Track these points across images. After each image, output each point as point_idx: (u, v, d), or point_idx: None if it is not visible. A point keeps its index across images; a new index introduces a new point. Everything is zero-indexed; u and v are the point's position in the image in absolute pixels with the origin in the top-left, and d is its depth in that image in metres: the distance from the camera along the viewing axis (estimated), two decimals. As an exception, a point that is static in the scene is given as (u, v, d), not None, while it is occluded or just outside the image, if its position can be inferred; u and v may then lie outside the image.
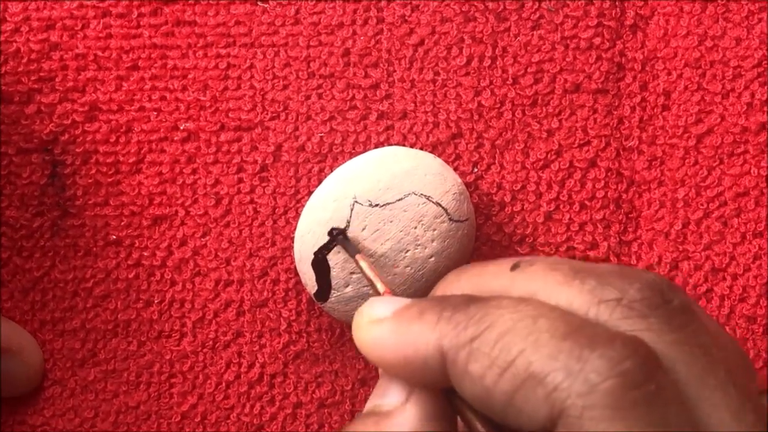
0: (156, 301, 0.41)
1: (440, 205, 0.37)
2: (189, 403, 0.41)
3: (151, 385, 0.42)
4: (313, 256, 0.37)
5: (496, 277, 0.29)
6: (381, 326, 0.29)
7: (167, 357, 0.41)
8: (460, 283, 0.30)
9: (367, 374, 0.41)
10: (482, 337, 0.26)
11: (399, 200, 0.37)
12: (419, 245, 0.37)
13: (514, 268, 0.29)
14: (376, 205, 0.37)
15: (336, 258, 0.37)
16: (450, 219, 0.38)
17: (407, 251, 0.37)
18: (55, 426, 0.41)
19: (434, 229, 0.37)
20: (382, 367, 0.29)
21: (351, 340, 0.41)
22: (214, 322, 0.41)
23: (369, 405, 0.30)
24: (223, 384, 0.41)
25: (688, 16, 0.41)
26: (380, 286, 0.33)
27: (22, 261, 0.42)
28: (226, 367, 0.41)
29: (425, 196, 0.37)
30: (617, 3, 0.41)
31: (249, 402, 0.41)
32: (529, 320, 0.26)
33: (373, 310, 0.30)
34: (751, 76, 0.41)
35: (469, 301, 0.27)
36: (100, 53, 0.42)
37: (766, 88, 0.41)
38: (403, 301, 0.29)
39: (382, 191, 0.37)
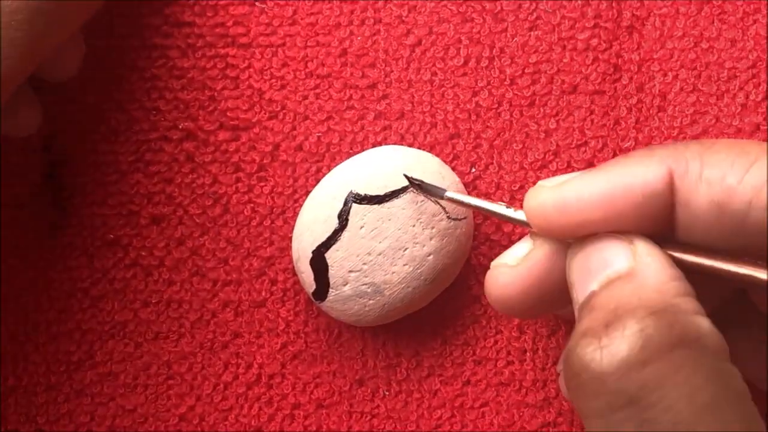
0: (153, 302, 0.41)
1: (438, 203, 0.37)
2: (187, 404, 0.41)
3: (148, 387, 0.41)
4: (311, 255, 0.37)
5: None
6: (578, 179, 0.27)
7: (165, 358, 0.41)
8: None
9: (365, 375, 0.41)
10: (714, 147, 0.25)
11: (397, 198, 0.37)
12: (417, 243, 0.37)
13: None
14: (375, 203, 0.37)
15: (334, 256, 0.37)
16: (448, 217, 0.38)
17: (405, 249, 0.37)
18: (49, 431, 0.41)
19: (433, 227, 0.37)
20: (577, 225, 0.27)
21: (349, 340, 0.41)
22: (212, 322, 0.41)
23: (592, 283, 0.27)
24: (221, 385, 0.41)
25: (683, 18, 0.41)
26: (500, 206, 0.33)
27: (18, 261, 0.41)
28: (224, 368, 0.41)
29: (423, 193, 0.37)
30: (614, 4, 0.41)
31: (247, 403, 0.41)
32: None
33: (551, 180, 0.28)
34: (745, 78, 0.41)
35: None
36: (99, 52, 0.41)
37: (760, 89, 0.41)
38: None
39: (380, 189, 0.37)
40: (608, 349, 0.25)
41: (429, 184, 0.37)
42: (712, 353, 0.25)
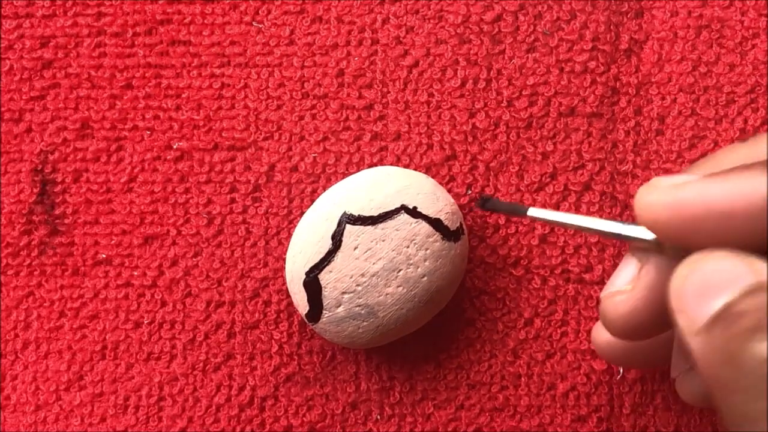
0: (146, 322, 0.41)
1: (432, 225, 0.37)
2: (178, 426, 0.41)
3: (139, 408, 0.41)
4: (305, 276, 0.37)
5: (730, 153, 0.28)
6: (695, 184, 0.26)
7: (156, 380, 0.41)
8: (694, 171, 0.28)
9: (357, 398, 0.41)
10: None
11: (391, 219, 0.37)
12: (412, 264, 0.37)
13: (743, 141, 0.28)
14: (369, 224, 0.37)
15: (328, 278, 0.37)
16: (443, 238, 0.37)
17: (399, 270, 0.37)
18: (39, 452, 0.41)
19: (427, 249, 0.37)
20: (697, 230, 0.26)
21: (342, 363, 0.41)
22: (204, 343, 0.41)
23: (721, 297, 0.25)
24: (213, 407, 0.41)
25: (682, 42, 0.41)
26: (591, 219, 0.31)
27: (8, 279, 0.41)
28: (216, 390, 0.41)
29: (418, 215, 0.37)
30: (612, 27, 0.41)
31: (239, 425, 0.41)
32: None
33: (671, 178, 0.27)
34: (744, 102, 0.41)
35: None
36: (93, 72, 0.41)
37: (759, 113, 0.41)
38: (693, 174, 0.27)
39: (374, 210, 0.37)
40: None
41: (506, 203, 0.36)
42: None
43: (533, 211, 0.32)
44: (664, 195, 0.27)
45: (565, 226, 0.33)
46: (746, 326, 0.24)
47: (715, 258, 0.26)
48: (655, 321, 0.29)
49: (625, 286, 0.29)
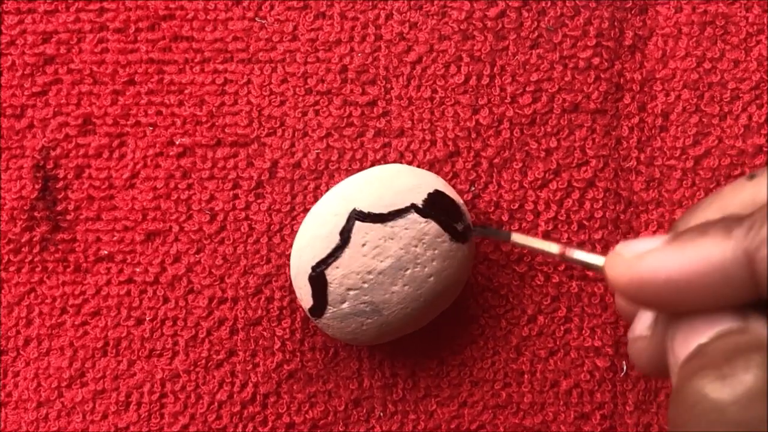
0: (148, 319, 0.41)
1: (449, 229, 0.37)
2: (180, 423, 0.41)
3: (141, 405, 0.41)
4: (310, 271, 0.37)
5: (737, 192, 0.28)
6: (654, 255, 0.27)
7: (158, 376, 0.41)
8: (700, 213, 0.29)
9: (360, 395, 0.41)
10: None
11: (401, 218, 0.37)
12: (419, 264, 0.37)
13: (750, 178, 0.28)
14: (378, 222, 0.37)
15: (334, 273, 0.37)
16: (451, 239, 0.37)
17: (407, 270, 0.37)
18: (39, 448, 0.41)
19: (435, 249, 0.37)
20: (660, 299, 0.27)
21: (345, 359, 0.41)
22: (207, 340, 0.41)
23: (700, 338, 0.26)
24: (216, 404, 0.41)
25: (686, 38, 0.41)
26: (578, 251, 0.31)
27: (9, 275, 0.41)
28: (218, 387, 0.41)
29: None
30: (616, 23, 0.41)
31: (242, 422, 0.41)
32: None
33: (634, 245, 0.27)
34: (748, 99, 0.41)
35: (742, 217, 0.26)
36: (95, 68, 0.41)
37: (763, 110, 0.41)
38: (659, 237, 0.27)
39: (384, 208, 0.37)
40: (730, 379, 0.24)
41: (493, 230, 0.38)
42: None
43: (516, 237, 0.34)
44: (626, 269, 0.27)
45: (545, 254, 0.33)
46: (698, 365, 0.25)
47: (706, 315, 0.27)
48: None
49: (646, 331, 0.29)
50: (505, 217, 0.41)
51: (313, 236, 0.37)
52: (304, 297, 0.38)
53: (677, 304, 0.27)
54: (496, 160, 0.41)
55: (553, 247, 0.32)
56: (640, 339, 0.29)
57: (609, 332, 0.40)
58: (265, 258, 0.41)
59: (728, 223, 0.26)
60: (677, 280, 0.26)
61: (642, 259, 0.27)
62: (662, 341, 0.28)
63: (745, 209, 0.27)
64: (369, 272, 0.36)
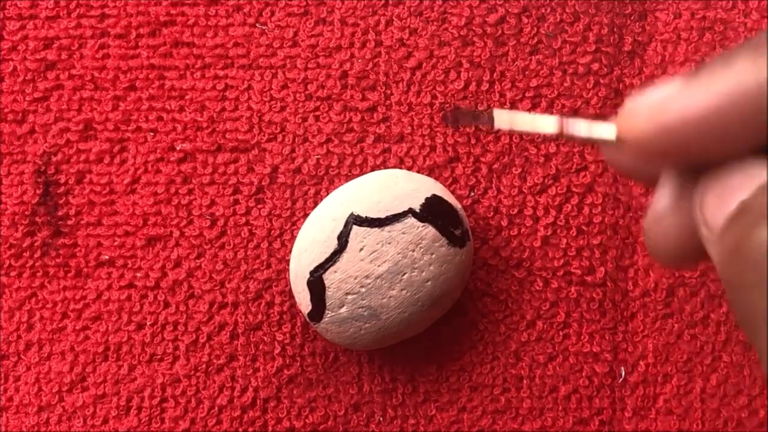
0: (148, 324, 0.41)
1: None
2: (181, 428, 0.41)
3: (142, 410, 0.41)
4: (309, 275, 0.37)
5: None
6: (678, 98, 0.23)
7: (159, 381, 0.41)
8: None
9: (360, 400, 0.41)
10: None
11: (398, 222, 0.37)
12: (416, 269, 0.37)
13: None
14: (375, 226, 0.37)
15: (332, 278, 0.37)
16: (449, 243, 0.37)
17: (404, 274, 0.37)
18: (40, 453, 0.41)
19: (432, 254, 0.37)
20: (695, 147, 0.23)
21: (345, 364, 0.41)
22: (207, 345, 0.41)
23: (737, 197, 0.23)
24: (216, 408, 0.41)
25: (685, 44, 0.41)
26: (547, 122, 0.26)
27: (10, 280, 0.41)
28: (219, 391, 0.41)
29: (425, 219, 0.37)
30: (615, 29, 0.41)
31: (242, 427, 0.41)
32: None
33: (649, 96, 0.24)
34: (747, 105, 0.41)
35: None
36: (96, 73, 0.41)
37: (762, 116, 0.41)
38: (673, 82, 0.24)
39: (382, 212, 0.37)
40: None
41: (470, 112, 0.30)
42: None
43: (498, 112, 0.27)
44: (649, 121, 0.24)
45: (537, 135, 0.28)
46: (752, 219, 0.23)
47: (731, 166, 0.24)
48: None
49: (669, 209, 0.26)
50: (504, 222, 0.41)
51: (311, 241, 0.37)
52: (303, 301, 0.38)
53: (715, 150, 0.24)
54: (495, 166, 0.41)
55: (548, 124, 0.26)
56: (664, 218, 0.26)
57: (607, 338, 0.41)
58: (265, 263, 0.41)
59: (755, 44, 0.23)
60: (711, 119, 0.23)
61: (665, 104, 0.24)
62: (689, 218, 0.25)
63: None
64: (366, 276, 0.37)
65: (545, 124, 0.26)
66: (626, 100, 0.24)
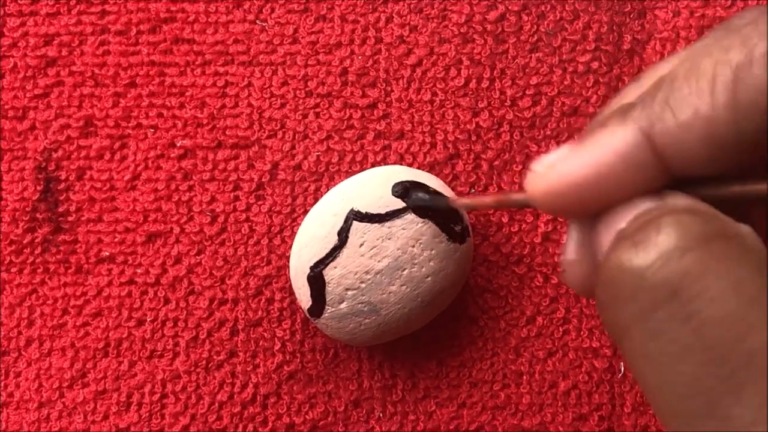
0: (149, 320, 0.41)
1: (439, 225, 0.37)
2: (181, 424, 0.41)
3: (142, 405, 0.41)
4: (309, 271, 0.37)
5: (630, 89, 0.28)
6: (562, 162, 0.26)
7: (159, 377, 0.41)
8: (600, 117, 0.28)
9: (360, 396, 0.41)
10: (675, 85, 0.24)
11: (398, 218, 0.37)
12: (416, 264, 0.37)
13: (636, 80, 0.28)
14: (376, 222, 0.37)
15: (332, 273, 0.37)
16: (449, 239, 0.37)
17: (404, 270, 0.37)
18: (40, 449, 0.41)
19: (432, 249, 0.37)
20: (578, 204, 0.26)
21: (345, 360, 0.41)
22: (207, 341, 0.41)
23: (619, 225, 0.26)
24: (216, 404, 0.41)
25: (684, 42, 0.41)
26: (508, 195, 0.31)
27: (11, 276, 0.41)
28: (219, 387, 0.41)
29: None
30: (615, 27, 0.41)
31: (242, 423, 0.41)
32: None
33: (545, 159, 0.26)
34: (746, 102, 0.41)
35: (634, 101, 0.25)
36: (97, 70, 0.41)
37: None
38: (567, 146, 0.27)
39: (382, 208, 0.37)
40: (644, 243, 0.24)
41: (428, 198, 0.37)
42: (755, 251, 0.24)
43: (455, 200, 0.35)
44: (541, 183, 0.27)
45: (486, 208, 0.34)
46: (619, 244, 0.25)
47: (618, 206, 0.26)
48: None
49: (574, 254, 0.28)
50: (504, 219, 0.41)
51: (311, 236, 0.37)
52: (303, 297, 0.38)
53: (595, 204, 0.26)
54: (496, 163, 0.41)
55: (486, 201, 0.31)
56: (572, 263, 0.28)
57: (607, 333, 0.41)
58: (265, 259, 0.41)
59: (624, 109, 0.25)
60: (589, 180, 0.25)
61: (553, 168, 0.26)
62: (592, 259, 0.27)
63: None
64: (366, 272, 0.37)
65: (484, 202, 0.32)
66: (532, 164, 0.27)
